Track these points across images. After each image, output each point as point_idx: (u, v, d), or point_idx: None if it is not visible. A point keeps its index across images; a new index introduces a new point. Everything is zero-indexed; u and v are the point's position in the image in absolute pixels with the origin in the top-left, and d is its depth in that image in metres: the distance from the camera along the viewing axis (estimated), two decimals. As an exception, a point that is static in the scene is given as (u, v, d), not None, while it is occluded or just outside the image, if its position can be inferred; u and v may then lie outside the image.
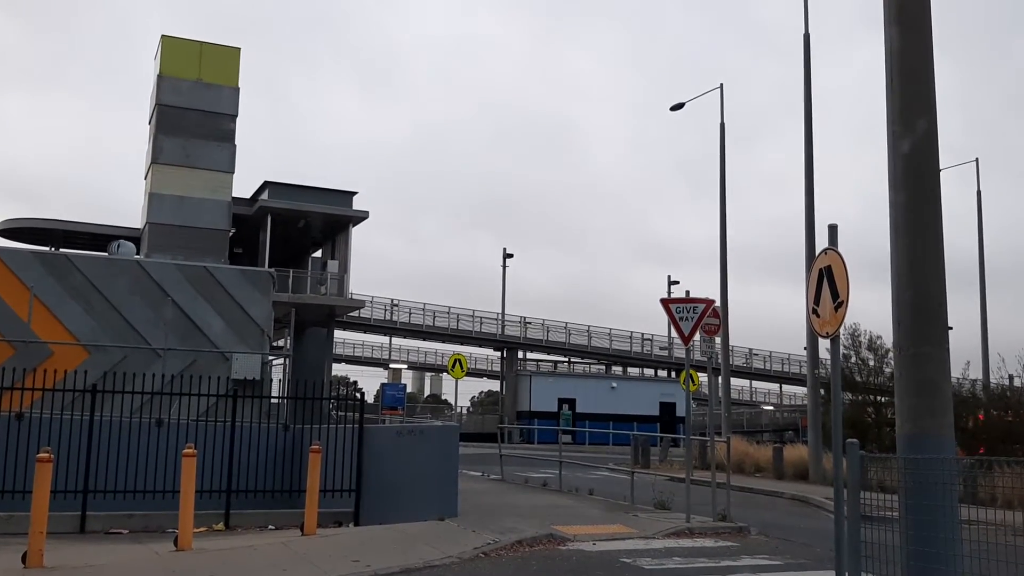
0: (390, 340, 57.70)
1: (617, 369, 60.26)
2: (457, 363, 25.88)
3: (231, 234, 38.83)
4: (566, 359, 60.21)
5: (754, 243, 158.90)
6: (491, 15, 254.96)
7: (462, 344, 54.04)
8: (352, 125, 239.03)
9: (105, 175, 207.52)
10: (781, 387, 66.06)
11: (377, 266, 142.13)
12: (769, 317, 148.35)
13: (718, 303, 24.99)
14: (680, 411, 51.43)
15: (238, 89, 38.44)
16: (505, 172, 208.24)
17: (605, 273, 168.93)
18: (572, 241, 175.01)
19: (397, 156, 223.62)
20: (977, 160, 37.85)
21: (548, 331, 55.70)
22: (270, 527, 12.71)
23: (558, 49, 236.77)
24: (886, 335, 28.31)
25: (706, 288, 72.81)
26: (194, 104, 37.28)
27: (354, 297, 42.58)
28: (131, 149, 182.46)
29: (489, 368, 64.74)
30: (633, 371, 61.27)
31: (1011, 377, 28.12)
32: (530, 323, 55.22)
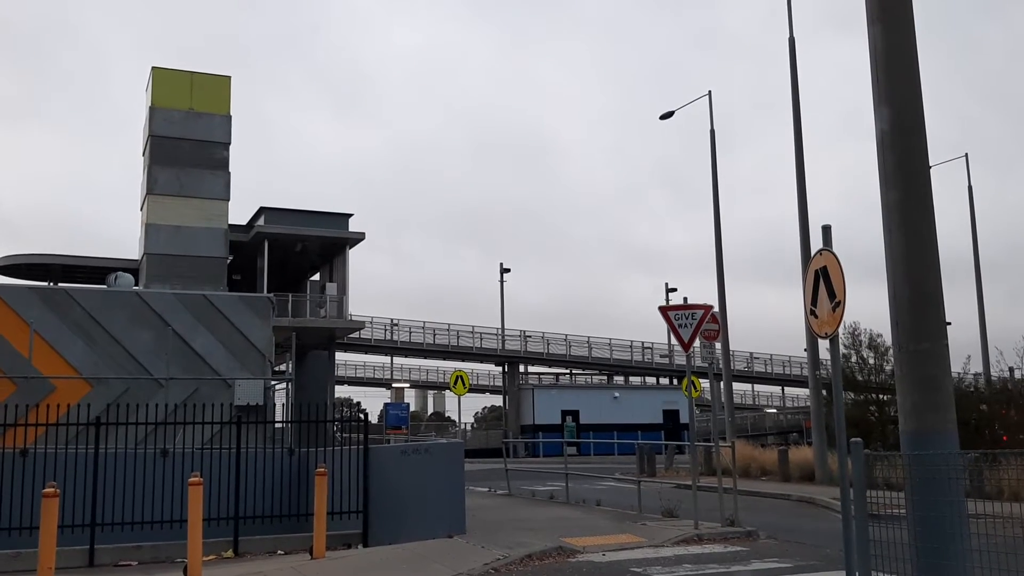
0: (391, 360, 57.66)
1: (619, 379, 60.22)
2: (459, 380, 25.89)
3: (229, 261, 38.89)
4: (567, 371, 60.18)
5: (740, 245, 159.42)
6: (458, 29, 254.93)
7: (463, 360, 54.02)
8: (328, 146, 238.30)
9: (85, 207, 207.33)
10: (783, 389, 66.08)
11: (366, 285, 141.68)
12: (763, 319, 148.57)
13: (716, 308, 25.04)
14: (684, 418, 51.39)
15: (230, 117, 38.58)
16: (485, 186, 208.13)
17: (593, 283, 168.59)
18: (557, 252, 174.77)
19: (375, 174, 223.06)
20: (967, 155, 38.26)
21: (548, 344, 55.69)
22: (279, 552, 12.68)
23: (526, 61, 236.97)
24: (886, 332, 28.39)
25: (696, 293, 72.91)
26: (187, 134, 37.39)
27: (353, 318, 42.61)
28: (111, 180, 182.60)
29: (491, 383, 64.67)
30: (635, 380, 61.23)
31: (1011, 369, 28.14)
32: (530, 336, 55.21)
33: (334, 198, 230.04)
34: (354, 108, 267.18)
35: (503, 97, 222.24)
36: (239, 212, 38.73)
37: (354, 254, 42.15)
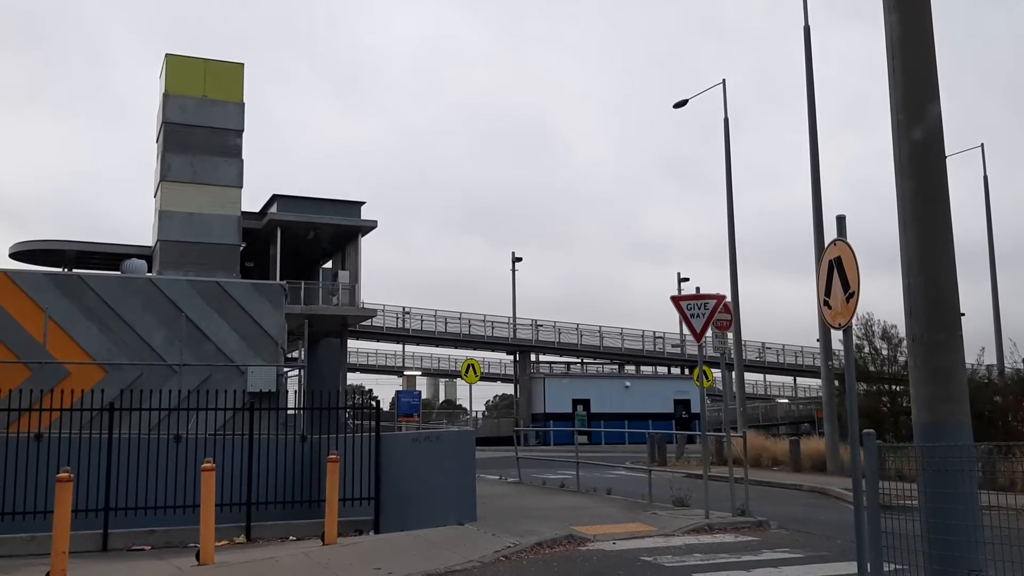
0: (403, 348, 57.81)
1: (630, 368, 60.22)
2: (470, 368, 25.93)
3: (242, 248, 39.00)
4: (579, 360, 60.17)
5: (746, 234, 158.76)
6: (460, 16, 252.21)
7: (475, 349, 54.08)
8: (329, 134, 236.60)
9: (88, 195, 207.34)
10: (795, 380, 65.93)
11: (372, 273, 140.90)
12: (771, 309, 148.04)
13: (728, 298, 24.96)
14: (695, 408, 51.33)
15: (243, 104, 38.64)
16: (489, 175, 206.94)
17: (599, 272, 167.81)
18: (562, 241, 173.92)
19: (377, 163, 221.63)
20: (983, 145, 37.98)
21: (560, 333, 55.69)
22: (291, 538, 12.75)
23: (528, 48, 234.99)
24: (897, 322, 28.28)
25: (703, 282, 72.54)
26: (200, 121, 37.49)
27: (365, 306, 42.70)
28: (113, 167, 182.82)
29: (503, 372, 64.76)
30: (646, 369, 61.22)
31: (1026, 360, 27.96)
32: (541, 325, 55.23)
33: (336, 186, 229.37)
34: (355, 97, 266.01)
35: (505, 85, 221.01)
36: (245, 200, 38.70)
37: (362, 243, 42.22)
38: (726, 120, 31.11)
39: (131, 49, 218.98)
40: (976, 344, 35.16)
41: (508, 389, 69.18)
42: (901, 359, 26.74)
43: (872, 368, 27.80)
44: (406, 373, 63.62)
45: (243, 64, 39.20)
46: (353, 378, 61.61)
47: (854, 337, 11.38)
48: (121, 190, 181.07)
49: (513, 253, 58.66)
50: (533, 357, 55.76)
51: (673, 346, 58.61)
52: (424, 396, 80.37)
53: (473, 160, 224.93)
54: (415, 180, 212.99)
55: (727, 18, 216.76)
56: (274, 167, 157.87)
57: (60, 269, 37.47)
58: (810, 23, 27.17)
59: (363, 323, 45.41)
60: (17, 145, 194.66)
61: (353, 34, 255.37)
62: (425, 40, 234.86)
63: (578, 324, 56.37)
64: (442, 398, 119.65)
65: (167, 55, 38.01)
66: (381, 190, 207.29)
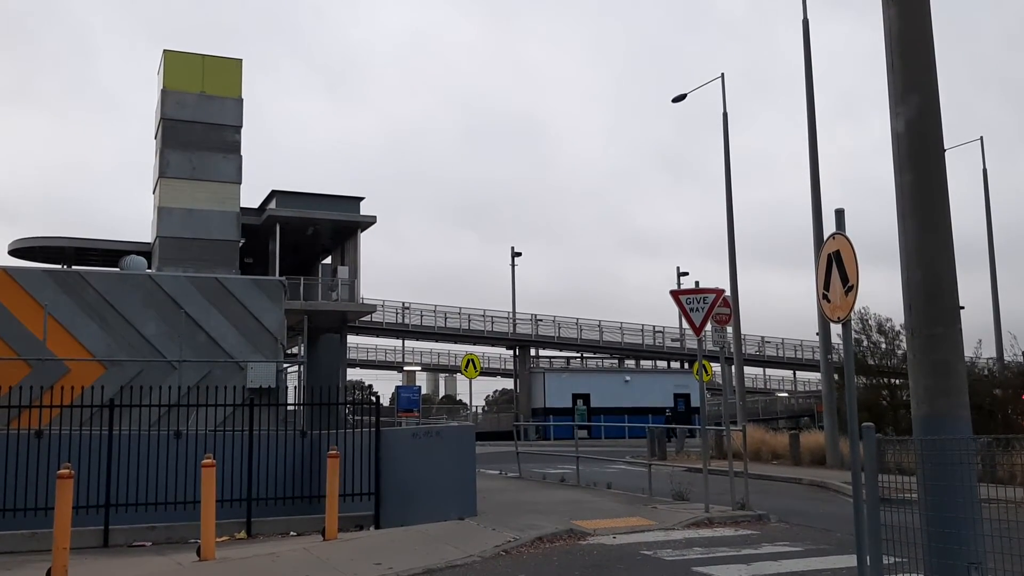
0: (403, 343, 57.73)
1: (630, 363, 60.26)
2: (470, 363, 25.95)
3: (241, 244, 39.00)
4: (579, 355, 60.23)
5: (744, 228, 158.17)
6: (446, 8, 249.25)
7: (475, 344, 54.07)
8: (318, 129, 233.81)
9: (80, 190, 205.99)
10: (795, 374, 65.99)
11: (371, 269, 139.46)
12: (768, 302, 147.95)
13: (727, 292, 24.97)
14: (695, 402, 51.36)
15: (241, 100, 38.60)
16: (479, 169, 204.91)
17: (594, 265, 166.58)
18: (556, 235, 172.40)
19: (367, 157, 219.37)
20: (982, 138, 37.99)
21: (560, 327, 55.69)
22: (292, 533, 12.78)
23: (519, 43, 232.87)
24: (894, 316, 28.32)
25: (699, 275, 72.23)
26: (198, 117, 37.47)
27: (365, 302, 42.70)
28: (104, 163, 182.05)
29: (502, 367, 64.80)
30: (646, 364, 61.24)
31: (1025, 354, 28.01)
32: (541, 320, 55.22)
33: (328, 181, 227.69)
34: (343, 91, 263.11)
35: (496, 79, 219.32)
36: (240, 195, 38.68)
37: (361, 238, 42.18)
38: (725, 115, 31.03)
39: (120, 43, 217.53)
40: (976, 338, 35.22)
41: (508, 384, 69.26)
42: (900, 352, 26.80)
43: (871, 362, 27.86)
44: (406, 368, 63.57)
45: (241, 60, 39.20)
46: (353, 373, 61.76)
47: (853, 331, 11.40)
48: (117, 186, 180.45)
49: (512, 248, 58.75)
50: (533, 352, 55.79)
51: (673, 340, 58.67)
52: (424, 391, 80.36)
53: (465, 154, 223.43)
54: (407, 175, 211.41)
55: (718, 11, 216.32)
56: (266, 163, 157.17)
57: (59, 266, 37.46)
58: (807, 17, 27.11)
59: (363, 318, 45.40)
60: (9, 141, 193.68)
61: (340, 28, 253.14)
62: (414, 34, 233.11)
63: (577, 319, 56.45)
64: (442, 393, 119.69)
65: (165, 51, 37.94)
66: (373, 184, 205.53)
